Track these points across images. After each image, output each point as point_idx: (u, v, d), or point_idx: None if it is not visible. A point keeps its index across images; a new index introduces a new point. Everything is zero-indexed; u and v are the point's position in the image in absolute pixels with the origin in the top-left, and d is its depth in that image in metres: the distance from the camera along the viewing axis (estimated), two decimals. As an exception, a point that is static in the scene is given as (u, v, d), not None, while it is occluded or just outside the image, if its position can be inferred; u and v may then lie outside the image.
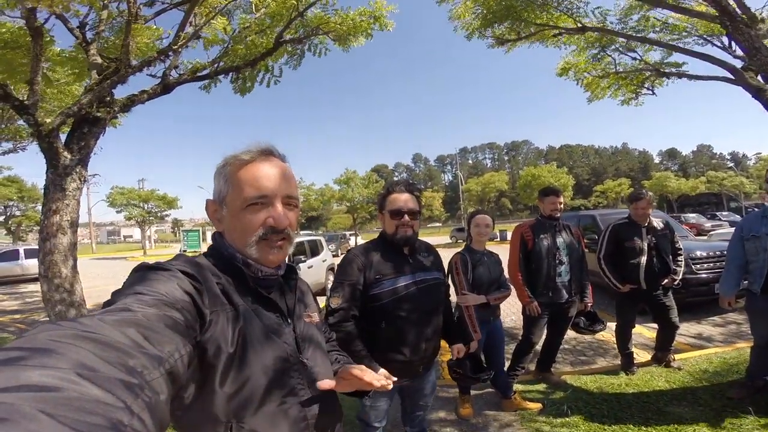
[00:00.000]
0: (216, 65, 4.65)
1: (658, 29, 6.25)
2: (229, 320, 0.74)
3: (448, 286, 2.16)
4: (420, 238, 1.96)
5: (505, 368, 3.32)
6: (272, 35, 4.91)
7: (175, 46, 3.76)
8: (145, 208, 35.16)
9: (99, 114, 3.46)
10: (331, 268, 9.88)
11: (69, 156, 3.28)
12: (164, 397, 0.46)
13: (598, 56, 6.89)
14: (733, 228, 3.60)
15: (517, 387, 3.34)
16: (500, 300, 3.02)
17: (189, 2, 3.76)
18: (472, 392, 3.32)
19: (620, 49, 6.66)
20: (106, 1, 3.76)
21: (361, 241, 35.29)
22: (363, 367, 1.02)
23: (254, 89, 5.58)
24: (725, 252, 3.20)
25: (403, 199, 1.85)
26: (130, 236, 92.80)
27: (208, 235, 35.83)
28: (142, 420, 0.39)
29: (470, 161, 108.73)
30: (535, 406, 3.11)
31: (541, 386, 3.54)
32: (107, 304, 0.60)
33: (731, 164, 79.73)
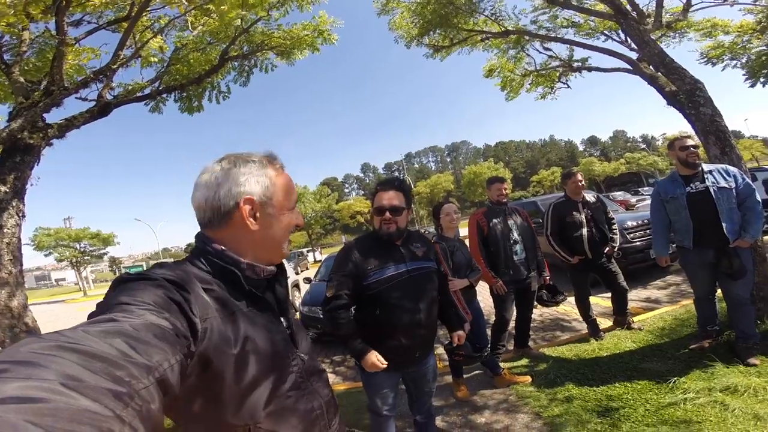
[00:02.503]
0: (157, 84, 4.42)
1: (565, 26, 6.95)
2: (227, 325, 0.73)
3: (444, 274, 2.22)
4: None
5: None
6: (215, 52, 4.78)
7: (114, 66, 3.54)
8: (78, 247, 32.21)
9: (32, 141, 3.15)
10: (295, 285, 9.75)
11: (3, 189, 2.94)
12: (156, 406, 0.46)
13: (517, 56, 7.49)
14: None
15: (502, 365, 3.51)
16: (479, 280, 3.28)
17: (125, 21, 3.55)
18: (463, 376, 3.44)
19: (537, 48, 7.29)
20: (24, 25, 3.45)
21: (320, 256, 34.71)
22: None
23: (191, 111, 5.35)
24: (650, 220, 3.60)
25: (386, 197, 1.93)
26: (63, 279, 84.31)
27: (155, 270, 33.08)
28: (134, 428, 0.39)
29: (416, 165, 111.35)
30: (525, 378, 3.29)
31: (524, 361, 3.74)
32: (91, 315, 0.58)
33: (644, 146, 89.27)
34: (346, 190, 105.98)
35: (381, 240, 1.94)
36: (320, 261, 23.60)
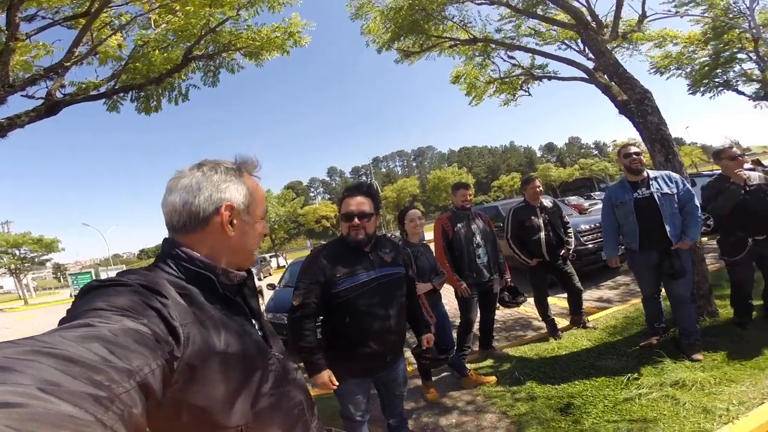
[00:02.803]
0: (113, 83, 4.19)
1: (528, 35, 7.33)
2: (207, 330, 0.72)
3: (412, 279, 2.23)
4: None
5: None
6: (179, 51, 4.60)
7: (68, 63, 3.31)
8: (18, 254, 29.68)
9: (-27, 140, 2.90)
10: (258, 292, 9.47)
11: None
12: (138, 411, 0.46)
13: (483, 63, 7.80)
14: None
15: (469, 366, 3.60)
16: (442, 284, 3.37)
17: (84, 17, 3.34)
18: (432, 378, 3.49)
19: (501, 56, 7.64)
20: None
21: (283, 262, 33.94)
22: None
23: (149, 111, 5.11)
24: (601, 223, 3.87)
25: (354, 202, 1.91)
26: (0, 287, 76.78)
27: (103, 275, 31.12)
28: None
29: (383, 169, 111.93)
30: (491, 379, 3.39)
31: (489, 361, 3.86)
32: (63, 321, 0.57)
33: (596, 152, 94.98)
34: (312, 194, 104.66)
35: (349, 246, 1.92)
36: (284, 267, 23.11)
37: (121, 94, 4.31)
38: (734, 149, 3.44)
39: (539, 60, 7.42)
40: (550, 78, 7.51)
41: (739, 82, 10.65)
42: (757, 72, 9.94)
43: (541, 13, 5.94)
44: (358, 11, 6.35)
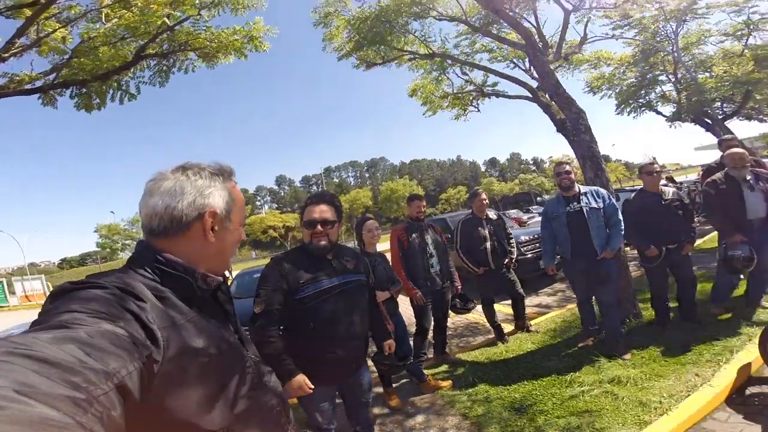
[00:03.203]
0: (53, 77, 3.84)
1: (482, 52, 7.86)
2: (186, 333, 0.72)
3: (372, 287, 2.26)
4: None
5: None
6: (130, 48, 4.33)
7: (6, 55, 3.00)
8: None
9: None
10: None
11: None
12: (117, 413, 0.46)
13: (439, 78, 8.20)
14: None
15: (426, 371, 3.70)
16: (399, 292, 3.51)
17: (30, 7, 3.05)
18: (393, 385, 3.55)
19: (456, 72, 8.07)
20: None
21: (227, 274, 32.08)
22: None
23: (90, 108, 4.74)
24: (539, 235, 4.22)
25: (317, 210, 1.95)
26: None
27: (17, 286, 27.58)
28: None
29: (335, 179, 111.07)
30: (447, 383, 3.51)
31: (444, 366, 4.00)
32: (35, 324, 0.56)
33: (534, 168, 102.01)
34: (259, 203, 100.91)
35: (311, 254, 1.94)
36: (228, 278, 21.73)
37: (61, 90, 3.96)
38: (654, 165, 3.93)
39: (491, 79, 7.96)
40: (498, 95, 8.05)
41: (658, 103, 11.91)
42: (674, 94, 11.20)
43: (494, 32, 6.37)
44: (323, 19, 6.42)
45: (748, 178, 3.72)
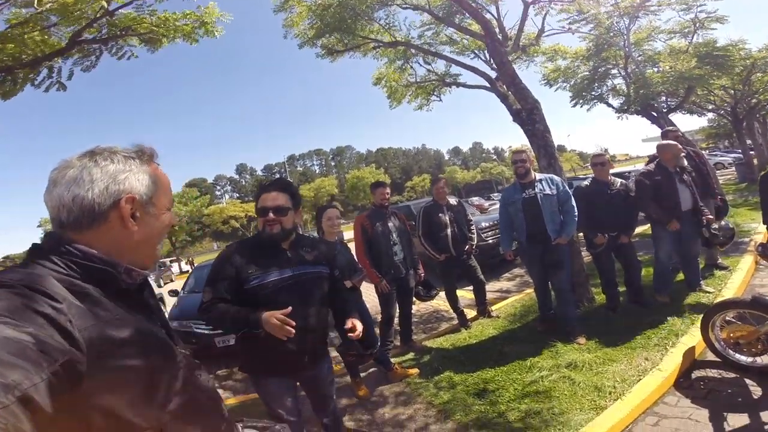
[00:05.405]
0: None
1: (444, 43, 7.91)
2: (111, 331, 0.67)
3: (338, 278, 2.16)
4: None
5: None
6: (64, 34, 3.92)
7: None
8: None
9: None
10: (159, 299, 8.61)
11: None
12: (27, 427, 0.45)
13: (402, 67, 8.18)
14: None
15: (392, 360, 3.74)
16: (361, 281, 3.49)
17: None
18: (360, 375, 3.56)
19: (419, 62, 8.08)
20: None
21: (186, 267, 30.90)
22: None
23: (7, 96, 4.28)
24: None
25: (270, 197, 1.89)
26: None
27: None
28: None
29: (299, 168, 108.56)
30: (414, 371, 3.57)
31: (410, 354, 4.06)
32: None
33: (494, 157, 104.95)
34: (218, 193, 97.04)
35: (265, 243, 1.88)
36: (188, 272, 21.01)
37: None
38: (604, 156, 4.14)
39: (453, 69, 8.04)
40: (458, 85, 8.18)
41: (609, 96, 12.51)
42: (624, 87, 11.78)
43: (457, 22, 6.41)
44: (284, 4, 6.18)
45: (678, 170, 3.97)
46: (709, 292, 4.02)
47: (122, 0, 3.80)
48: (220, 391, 3.97)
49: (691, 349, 2.99)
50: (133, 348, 0.70)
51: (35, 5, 3.44)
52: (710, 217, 3.99)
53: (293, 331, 1.63)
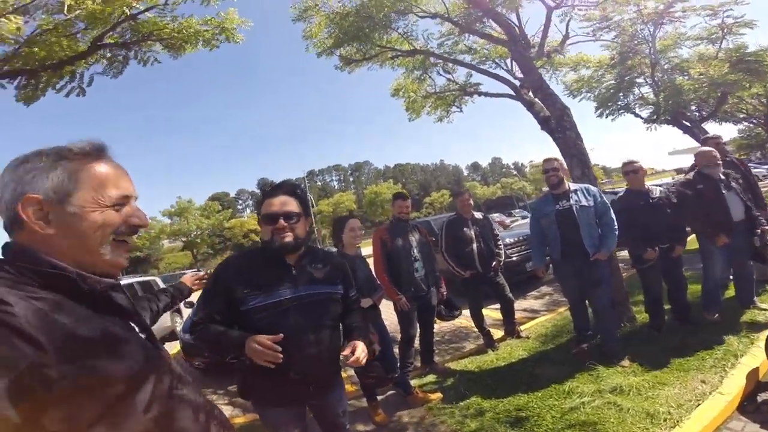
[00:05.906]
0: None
1: (464, 52, 7.76)
2: (81, 336, 0.66)
3: (351, 299, 1.86)
4: None
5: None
6: (89, 38, 3.97)
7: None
8: None
9: None
10: (176, 310, 8.59)
11: None
12: None
13: (421, 77, 8.05)
14: (526, 219, 4.65)
15: (412, 382, 3.46)
16: (381, 299, 3.25)
17: None
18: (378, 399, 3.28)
19: (439, 71, 7.94)
20: None
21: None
22: None
23: (29, 100, 4.34)
24: (525, 237, 4.10)
25: (277, 202, 1.63)
26: None
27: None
28: None
29: (319, 183, 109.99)
30: (436, 396, 3.27)
31: (432, 377, 3.75)
32: None
33: (515, 172, 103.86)
34: (240, 207, 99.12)
35: (269, 256, 1.63)
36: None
37: (7, 80, 3.58)
38: (637, 163, 3.77)
39: (474, 78, 7.87)
40: (480, 94, 7.96)
41: (636, 106, 12.06)
42: (652, 96, 11.35)
43: (477, 29, 6.29)
44: (303, 14, 6.21)
45: (722, 177, 3.64)
46: (765, 310, 3.64)
47: (147, 3, 3.82)
48: (228, 408, 3.84)
49: (755, 370, 2.72)
50: (104, 350, 0.69)
51: (65, 11, 3.50)
52: (766, 227, 3.59)
53: (280, 357, 1.40)
